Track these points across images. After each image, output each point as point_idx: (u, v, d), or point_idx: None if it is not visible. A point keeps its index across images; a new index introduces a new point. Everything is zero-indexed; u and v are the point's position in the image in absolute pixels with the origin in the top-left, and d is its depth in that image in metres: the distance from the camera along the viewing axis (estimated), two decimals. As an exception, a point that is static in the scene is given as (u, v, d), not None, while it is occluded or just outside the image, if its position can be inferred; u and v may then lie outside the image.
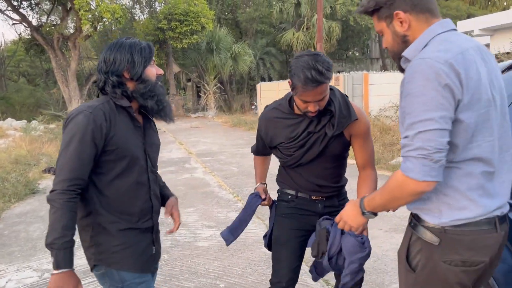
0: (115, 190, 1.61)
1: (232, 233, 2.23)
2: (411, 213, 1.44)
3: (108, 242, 1.62)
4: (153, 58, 1.70)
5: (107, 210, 1.61)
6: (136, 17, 27.62)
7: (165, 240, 4.25)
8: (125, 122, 1.62)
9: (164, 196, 1.91)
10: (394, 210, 1.42)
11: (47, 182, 7.28)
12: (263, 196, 2.18)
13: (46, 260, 3.87)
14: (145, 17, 27.17)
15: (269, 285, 2.14)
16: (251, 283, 3.25)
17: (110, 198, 1.60)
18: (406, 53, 1.37)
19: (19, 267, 3.74)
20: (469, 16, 21.91)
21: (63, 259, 1.45)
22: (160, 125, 18.30)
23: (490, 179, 1.31)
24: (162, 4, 22.30)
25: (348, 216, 1.58)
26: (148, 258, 1.72)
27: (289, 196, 2.08)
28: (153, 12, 24.89)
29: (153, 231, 1.76)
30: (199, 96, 25.87)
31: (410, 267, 1.40)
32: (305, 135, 1.91)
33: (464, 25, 14.39)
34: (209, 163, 8.65)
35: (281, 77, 24.47)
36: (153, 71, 1.67)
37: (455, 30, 1.37)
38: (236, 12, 25.40)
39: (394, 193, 1.31)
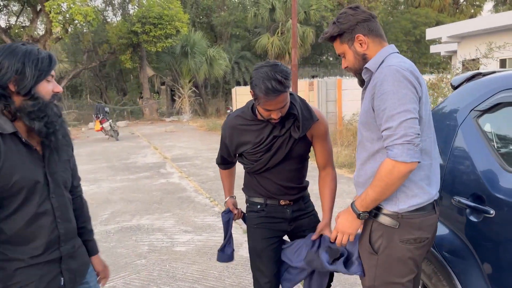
0: (12, 225, 1.40)
1: (224, 251, 2.30)
2: None
3: (4, 281, 1.42)
4: (52, 73, 1.46)
5: (3, 248, 1.41)
6: (109, 20, 27.24)
7: (142, 245, 4.26)
8: (14, 150, 1.38)
9: (88, 250, 1.73)
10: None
11: None
12: (234, 212, 2.28)
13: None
14: (118, 19, 26.83)
15: None
16: (228, 286, 3.32)
17: (6, 235, 1.40)
18: (368, 65, 1.66)
19: None
20: (437, 23, 22.69)
21: None
22: (133, 129, 18.13)
23: (431, 170, 1.63)
24: (136, 7, 22.08)
25: (344, 225, 1.68)
26: None
27: (258, 206, 2.15)
28: (126, 15, 24.60)
29: (62, 261, 1.55)
30: (173, 100, 25.69)
31: (373, 249, 1.65)
32: (271, 139, 2.00)
33: (432, 32, 14.92)
34: (185, 167, 8.65)
35: (256, 81, 24.58)
36: (48, 87, 1.44)
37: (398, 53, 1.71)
38: (211, 16, 25.42)
39: (386, 181, 1.49)
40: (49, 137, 1.45)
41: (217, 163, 2.39)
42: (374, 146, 1.62)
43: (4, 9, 20.75)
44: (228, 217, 2.27)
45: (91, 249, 1.74)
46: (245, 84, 23.53)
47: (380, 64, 1.61)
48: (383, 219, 1.61)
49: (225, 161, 2.31)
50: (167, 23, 19.07)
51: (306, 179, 2.21)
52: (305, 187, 2.18)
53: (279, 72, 1.81)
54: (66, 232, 1.55)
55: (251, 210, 2.19)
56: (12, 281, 1.42)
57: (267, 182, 2.10)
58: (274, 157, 2.02)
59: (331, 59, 28.25)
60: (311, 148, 2.14)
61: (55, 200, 1.50)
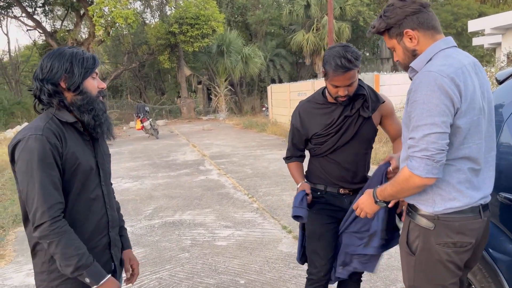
0: (70, 209, 1.50)
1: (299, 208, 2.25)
2: (408, 204, 1.67)
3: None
4: (96, 71, 1.61)
5: None
6: (147, 21, 28.00)
7: (185, 240, 4.42)
8: (74, 138, 1.54)
9: (122, 244, 1.80)
10: (402, 200, 1.65)
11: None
12: (308, 191, 2.28)
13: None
14: (155, 21, 27.53)
15: (307, 276, 2.32)
16: (269, 280, 3.40)
17: (65, 218, 1.48)
18: (413, 64, 1.58)
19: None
20: (480, 14, 21.78)
21: (97, 272, 1.47)
22: (172, 127, 18.58)
23: (476, 174, 1.55)
24: (173, 8, 22.57)
25: (364, 204, 1.80)
26: None
27: (318, 193, 2.26)
28: (164, 16, 25.20)
29: (111, 246, 1.66)
30: (210, 99, 26.10)
31: (410, 250, 1.63)
32: (342, 119, 2.14)
33: (475, 24, 14.35)
34: (223, 165, 8.82)
35: (292, 78, 24.58)
36: (93, 83, 1.58)
37: (456, 46, 1.58)
38: (246, 14, 25.57)
39: (402, 186, 1.53)
40: (96, 129, 1.59)
41: (286, 157, 2.42)
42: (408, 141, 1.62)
43: (50, 13, 21.78)
44: (302, 195, 2.23)
45: (125, 243, 1.83)
46: (280, 81, 23.54)
47: (427, 63, 1.53)
48: (419, 219, 1.59)
49: (297, 152, 2.37)
50: (204, 23, 19.38)
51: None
52: (366, 179, 2.24)
53: (349, 52, 1.98)
54: (113, 219, 1.68)
55: (312, 196, 2.28)
56: None
57: (332, 166, 2.20)
58: (344, 136, 2.14)
59: (367, 54, 27.76)
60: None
61: (105, 188, 1.65)
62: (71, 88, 1.52)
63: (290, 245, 4.10)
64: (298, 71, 27.04)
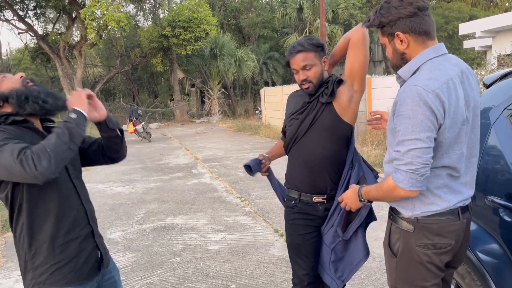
0: (44, 204, 1.55)
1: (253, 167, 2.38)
2: (390, 207, 1.70)
3: (45, 263, 1.55)
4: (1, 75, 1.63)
5: (40, 228, 1.54)
6: (140, 24, 27.93)
7: (176, 244, 4.40)
8: (31, 137, 1.57)
9: None
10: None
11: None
12: (260, 158, 2.39)
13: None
14: (148, 24, 27.47)
15: (292, 285, 2.28)
16: (261, 284, 3.39)
17: (42, 214, 1.54)
18: (400, 72, 1.58)
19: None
20: (471, 17, 21.98)
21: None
22: (165, 131, 18.52)
23: (455, 180, 1.57)
24: (166, 11, 22.54)
25: (348, 199, 1.84)
26: (92, 265, 1.68)
27: (292, 202, 2.21)
28: (157, 19, 25.17)
29: (94, 235, 1.72)
30: (203, 102, 26.08)
31: (392, 252, 1.67)
32: (302, 105, 2.17)
33: (466, 27, 14.49)
34: (216, 168, 8.80)
35: (285, 81, 24.63)
36: (8, 81, 1.60)
37: (446, 54, 1.56)
38: (239, 17, 25.62)
39: (386, 194, 1.58)
40: (45, 109, 1.60)
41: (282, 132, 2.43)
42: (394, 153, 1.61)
43: (41, 16, 21.64)
44: (257, 161, 2.38)
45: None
46: (274, 84, 23.59)
47: (413, 74, 1.52)
48: (399, 222, 1.62)
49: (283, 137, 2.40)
50: (196, 26, 19.37)
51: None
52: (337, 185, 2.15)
53: (304, 38, 2.08)
54: (90, 210, 1.73)
55: (287, 205, 2.26)
56: (52, 261, 1.56)
57: (296, 165, 2.17)
58: (303, 124, 2.13)
59: (360, 57, 27.88)
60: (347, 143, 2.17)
61: (76, 181, 1.69)
62: None
63: (282, 248, 4.10)
64: (291, 74, 27.07)
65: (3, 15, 20.42)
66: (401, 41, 1.54)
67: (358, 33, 1.98)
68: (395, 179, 1.49)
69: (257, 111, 22.22)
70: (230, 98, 25.46)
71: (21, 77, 1.64)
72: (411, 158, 1.43)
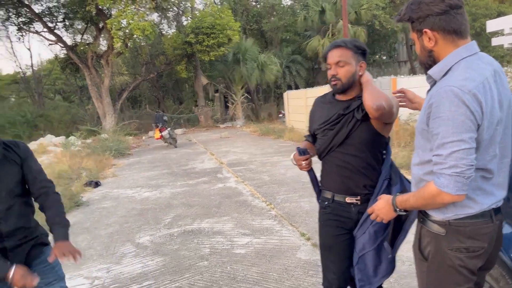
0: None
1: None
2: (420, 210, 1.66)
3: None
4: None
5: None
6: (164, 32, 28.42)
7: (203, 248, 4.44)
8: None
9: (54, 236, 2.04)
10: None
11: (89, 195, 7.66)
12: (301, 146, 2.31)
13: (95, 268, 4.14)
14: (172, 31, 27.94)
15: None
16: (288, 288, 3.38)
17: None
18: (431, 72, 1.55)
19: (71, 275, 4.01)
20: (499, 14, 21.35)
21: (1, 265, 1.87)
22: (190, 136, 18.75)
23: (488, 181, 1.53)
24: (189, 18, 22.88)
25: (380, 210, 1.77)
26: None
27: (326, 202, 2.22)
28: (180, 27, 25.56)
29: (7, 252, 1.99)
30: (227, 107, 26.27)
31: (422, 256, 1.63)
32: (336, 117, 2.12)
33: (494, 24, 14.06)
34: (241, 172, 8.84)
35: (308, 84, 24.53)
36: None
37: (478, 53, 1.53)
38: (261, 22, 25.72)
39: (427, 202, 1.52)
40: None
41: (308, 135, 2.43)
42: (424, 156, 1.57)
43: (70, 28, 22.35)
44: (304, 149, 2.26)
45: (56, 236, 2.01)
46: (297, 87, 23.52)
47: (445, 74, 1.48)
48: (430, 225, 1.59)
49: (310, 138, 2.39)
50: (219, 32, 19.56)
51: None
52: (373, 186, 2.13)
53: (349, 39, 2.12)
54: (8, 229, 1.99)
55: (321, 206, 2.27)
56: None
57: (332, 168, 2.17)
58: (337, 136, 2.11)
59: (384, 58, 27.50)
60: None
61: None
62: None
63: (309, 252, 4.08)
64: (314, 77, 26.97)
65: (34, 27, 21.19)
66: (429, 38, 1.51)
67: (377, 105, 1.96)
68: (438, 185, 1.43)
69: (280, 115, 22.20)
70: (254, 103, 25.55)
71: None
72: (455, 160, 1.39)
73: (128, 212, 6.20)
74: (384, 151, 2.18)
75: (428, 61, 1.56)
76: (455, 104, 1.38)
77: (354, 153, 2.11)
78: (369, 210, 1.87)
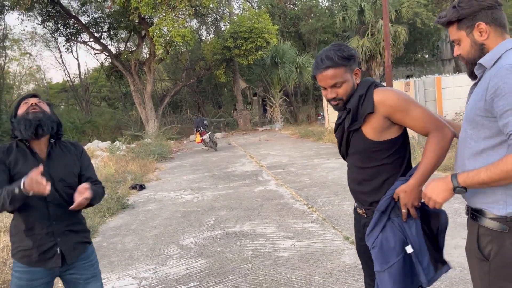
0: (19, 212, 2.13)
1: None
2: (470, 209, 1.61)
3: (15, 243, 2.18)
4: (29, 100, 2.19)
5: (17, 223, 2.17)
6: (203, 38, 28.99)
7: (246, 250, 4.48)
8: (21, 154, 2.12)
9: None
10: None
11: (135, 198, 7.92)
12: None
13: (142, 269, 4.27)
14: (211, 37, 28.43)
15: None
16: (333, 292, 3.34)
17: (18, 216, 2.16)
18: (482, 60, 1.57)
19: (120, 275, 4.16)
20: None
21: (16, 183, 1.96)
22: (229, 139, 18.96)
23: None
24: (227, 23, 23.20)
25: (433, 192, 1.63)
26: (48, 258, 2.15)
27: (353, 210, 2.19)
28: (219, 32, 25.96)
29: (54, 235, 2.17)
30: (265, 110, 26.36)
31: (483, 256, 1.56)
32: (335, 127, 2.06)
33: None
34: (281, 175, 8.84)
35: (347, 85, 24.13)
36: (23, 107, 2.15)
37: None
38: (299, 24, 25.64)
39: (504, 175, 1.42)
40: (38, 132, 2.09)
41: None
42: (478, 145, 1.55)
43: (115, 37, 23.27)
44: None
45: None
46: (336, 89, 23.21)
47: (496, 61, 1.52)
48: (489, 223, 1.53)
49: None
50: (257, 36, 19.70)
51: None
52: (376, 201, 1.91)
53: (333, 49, 1.84)
54: (56, 215, 2.16)
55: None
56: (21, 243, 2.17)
57: (348, 176, 2.08)
58: (341, 145, 2.03)
59: (426, 56, 26.66)
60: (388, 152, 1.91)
61: (51, 196, 2.09)
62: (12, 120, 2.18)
63: (353, 256, 4.01)
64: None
65: (81, 38, 22.25)
66: (481, 32, 1.57)
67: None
68: None
69: (319, 117, 22.00)
70: (292, 105, 25.49)
71: (32, 104, 2.15)
72: None
73: (172, 215, 6.35)
74: (400, 155, 1.91)
75: (480, 56, 1.59)
76: None
77: (357, 163, 1.97)
78: (422, 196, 1.68)
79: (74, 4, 23.89)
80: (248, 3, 27.61)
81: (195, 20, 27.76)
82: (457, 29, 1.62)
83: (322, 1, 28.42)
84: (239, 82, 24.86)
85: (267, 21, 20.31)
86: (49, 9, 19.77)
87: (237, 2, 29.88)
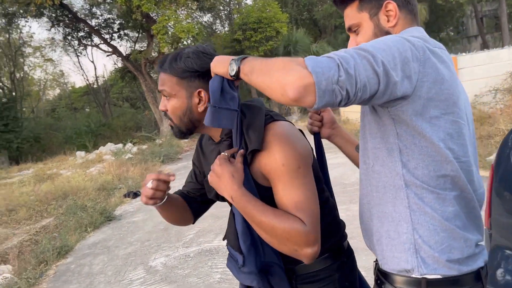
0: None
1: None
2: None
3: None
4: None
5: None
6: (218, 32, 28.46)
7: (215, 273, 3.94)
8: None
9: None
10: None
11: (126, 207, 7.53)
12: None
13: (96, 299, 3.82)
14: (225, 30, 27.90)
15: None
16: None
17: None
18: None
19: (72, 307, 3.73)
20: None
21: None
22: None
23: None
24: (236, 15, 22.62)
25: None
26: None
27: None
28: (232, 25, 25.40)
29: None
30: (282, 101, 25.71)
31: None
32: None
33: None
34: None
35: (366, 71, 23.18)
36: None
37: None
38: (313, 10, 24.73)
39: None
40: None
41: None
42: None
43: (125, 37, 23.16)
44: None
45: None
46: (354, 75, 22.30)
47: None
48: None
49: None
50: (266, 25, 19.03)
51: None
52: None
53: (177, 53, 1.30)
54: None
55: None
56: None
57: None
58: None
59: (452, 34, 25.15)
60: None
61: None
62: None
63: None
64: (373, 63, 25.47)
65: (92, 41, 22.23)
66: (389, 16, 1.16)
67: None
68: None
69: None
70: (310, 95, 24.73)
71: None
72: None
73: (155, 227, 5.90)
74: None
75: None
76: None
77: None
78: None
79: (84, 5, 23.89)
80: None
81: (209, 14, 27.35)
82: (358, 10, 1.19)
83: (337, -16, 27.21)
84: (253, 75, 24.28)
85: (276, 9, 19.57)
86: (58, 14, 19.78)
87: (248, -7, 29.19)
